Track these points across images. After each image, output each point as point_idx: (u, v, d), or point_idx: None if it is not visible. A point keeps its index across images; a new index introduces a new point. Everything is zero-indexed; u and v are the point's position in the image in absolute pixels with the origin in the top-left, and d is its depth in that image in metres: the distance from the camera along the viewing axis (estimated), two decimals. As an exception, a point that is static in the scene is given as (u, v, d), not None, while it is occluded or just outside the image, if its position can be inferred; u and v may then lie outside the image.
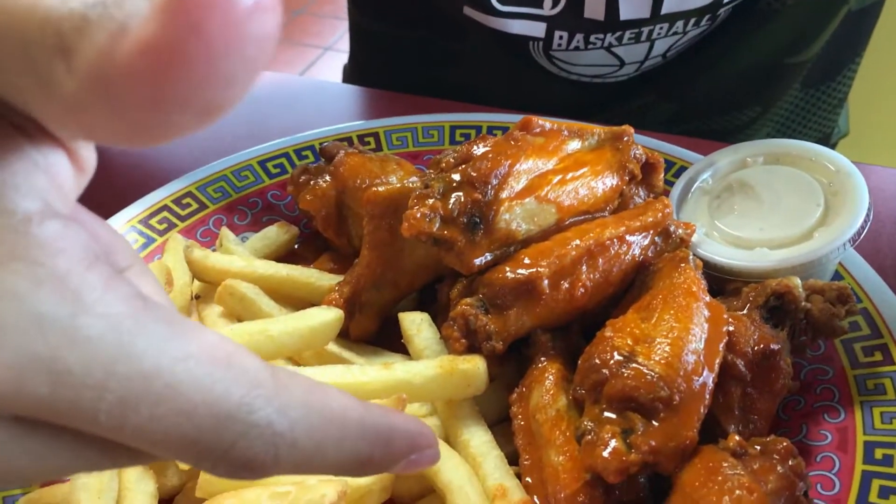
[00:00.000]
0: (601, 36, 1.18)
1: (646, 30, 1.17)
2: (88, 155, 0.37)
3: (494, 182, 0.80)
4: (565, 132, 0.88)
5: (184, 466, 0.74)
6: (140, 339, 0.31)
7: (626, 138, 0.88)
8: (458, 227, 0.78)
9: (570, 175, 0.84)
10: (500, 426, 0.78)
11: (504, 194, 0.81)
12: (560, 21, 1.17)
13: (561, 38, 1.20)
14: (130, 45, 0.27)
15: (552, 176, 0.84)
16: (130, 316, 0.31)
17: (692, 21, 1.17)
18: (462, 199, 0.79)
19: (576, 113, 1.12)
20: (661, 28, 1.17)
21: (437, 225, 0.78)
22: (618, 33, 1.18)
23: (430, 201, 0.79)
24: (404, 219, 0.78)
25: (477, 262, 0.79)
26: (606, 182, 0.86)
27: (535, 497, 0.70)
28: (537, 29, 1.19)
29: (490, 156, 0.82)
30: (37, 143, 0.34)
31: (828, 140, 1.48)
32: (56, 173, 0.35)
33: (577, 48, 1.21)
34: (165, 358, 0.31)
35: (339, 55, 4.06)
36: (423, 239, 0.78)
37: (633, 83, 1.30)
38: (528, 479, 0.72)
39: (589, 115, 1.15)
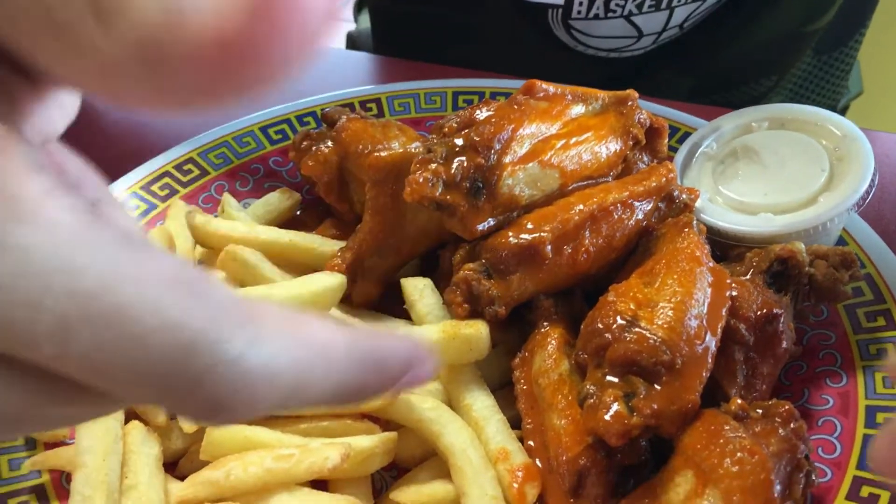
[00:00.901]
0: (622, 3, 1.16)
1: None
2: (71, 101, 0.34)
3: (497, 147, 0.80)
4: (569, 96, 0.87)
5: (188, 429, 0.74)
6: (83, 252, 0.27)
7: (630, 103, 0.88)
8: (460, 191, 0.78)
9: (573, 140, 0.84)
10: (503, 391, 0.78)
11: (507, 159, 0.80)
12: None
13: (581, 4, 1.18)
14: (206, 32, 0.25)
15: (556, 141, 0.83)
16: (74, 227, 0.27)
17: None
18: (465, 164, 0.78)
19: None
20: None
21: (440, 190, 0.77)
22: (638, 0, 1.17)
23: (433, 166, 0.78)
24: (407, 183, 0.78)
25: (480, 227, 0.79)
26: (610, 147, 0.85)
27: (537, 460, 0.71)
28: None
29: (493, 120, 0.82)
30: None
31: (836, 105, 1.47)
32: (22, 99, 0.31)
33: (596, 16, 1.19)
34: (113, 275, 0.27)
35: (341, 24, 4.01)
36: (426, 204, 0.78)
37: (650, 57, 1.28)
38: (531, 443, 0.72)
39: None
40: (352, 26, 1.70)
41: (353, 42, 1.67)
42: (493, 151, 0.79)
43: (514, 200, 0.80)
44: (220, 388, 0.28)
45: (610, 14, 1.18)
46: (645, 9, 1.17)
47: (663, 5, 1.17)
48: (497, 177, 0.79)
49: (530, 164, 0.81)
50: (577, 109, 0.87)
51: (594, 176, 0.84)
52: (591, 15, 1.19)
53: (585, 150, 0.84)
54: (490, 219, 0.79)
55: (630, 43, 1.25)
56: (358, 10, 1.72)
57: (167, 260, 0.29)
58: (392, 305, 0.87)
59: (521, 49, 1.28)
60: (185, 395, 0.28)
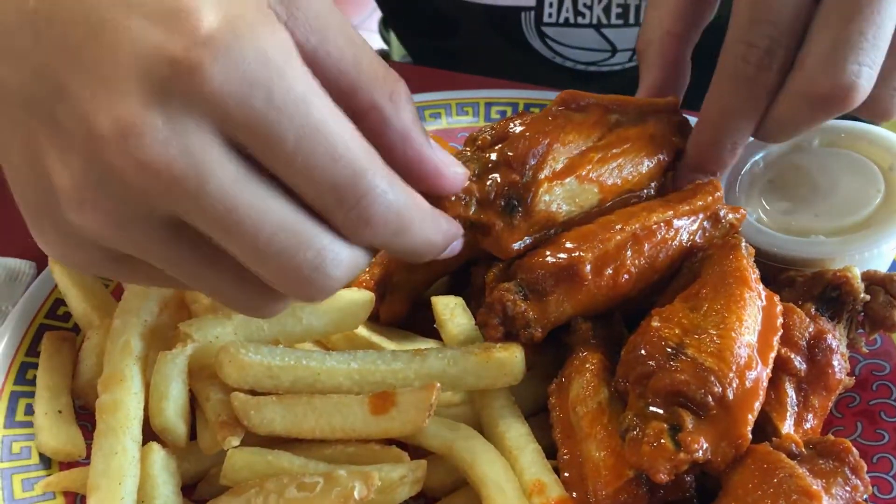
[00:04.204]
0: (589, 3, 1.19)
1: (633, 4, 1.16)
2: None
3: (532, 162, 0.76)
4: (607, 107, 0.83)
5: (208, 452, 0.71)
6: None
7: (671, 112, 0.84)
8: (495, 210, 0.74)
9: (612, 152, 0.80)
10: (537, 418, 0.75)
11: (543, 174, 0.76)
12: None
13: (551, 5, 1.21)
14: None
15: (593, 154, 0.79)
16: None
17: None
18: (498, 181, 0.75)
19: None
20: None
21: (474, 208, 0.74)
22: (604, 2, 1.18)
23: (466, 183, 0.75)
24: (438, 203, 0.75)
25: (515, 246, 0.75)
26: (651, 158, 0.81)
27: (573, 493, 0.67)
28: None
29: (527, 134, 0.78)
30: None
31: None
32: None
33: (567, 21, 1.22)
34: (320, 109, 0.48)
35: (366, 35, 3.98)
36: (460, 223, 0.74)
37: (630, 74, 1.27)
38: (567, 475, 0.68)
39: None
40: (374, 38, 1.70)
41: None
42: (527, 167, 0.76)
43: (551, 218, 0.76)
44: (371, 208, 0.50)
45: (580, 19, 1.22)
46: (612, 20, 1.21)
47: (631, 18, 1.20)
48: (532, 193, 0.76)
49: (567, 180, 0.77)
50: (616, 120, 0.83)
51: (635, 189, 0.80)
52: (561, 20, 1.22)
53: (625, 162, 0.80)
54: (526, 237, 0.76)
55: (606, 57, 1.27)
56: (385, 28, 1.70)
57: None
58: (421, 324, 0.84)
59: (500, 65, 1.28)
60: (352, 206, 0.49)
